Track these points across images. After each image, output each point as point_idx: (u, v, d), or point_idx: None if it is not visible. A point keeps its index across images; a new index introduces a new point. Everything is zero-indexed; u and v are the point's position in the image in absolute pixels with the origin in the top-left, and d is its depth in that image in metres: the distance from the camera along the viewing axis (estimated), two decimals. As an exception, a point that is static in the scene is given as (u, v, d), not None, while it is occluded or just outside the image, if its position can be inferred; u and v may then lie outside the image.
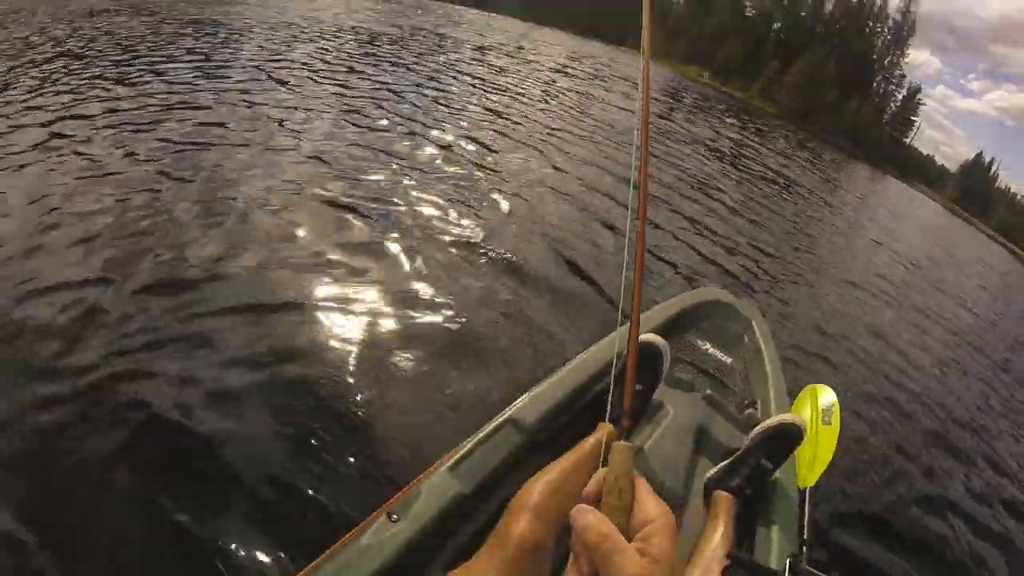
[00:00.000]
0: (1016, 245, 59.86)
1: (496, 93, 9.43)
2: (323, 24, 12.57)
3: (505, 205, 4.53)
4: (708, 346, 2.38)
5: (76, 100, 4.75)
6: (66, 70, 5.60)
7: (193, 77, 6.08)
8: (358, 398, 2.15)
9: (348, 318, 2.60)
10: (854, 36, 63.83)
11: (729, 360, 2.35)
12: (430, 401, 2.23)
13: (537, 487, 1.19)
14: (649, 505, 0.50)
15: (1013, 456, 4.40)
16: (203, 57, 7.20)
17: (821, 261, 7.41)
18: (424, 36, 15.46)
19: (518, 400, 1.60)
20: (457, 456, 1.39)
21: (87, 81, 5.33)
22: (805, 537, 1.58)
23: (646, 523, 0.49)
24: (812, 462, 1.78)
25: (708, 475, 1.70)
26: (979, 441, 4.38)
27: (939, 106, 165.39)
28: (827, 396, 1.99)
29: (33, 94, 4.74)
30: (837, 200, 15.39)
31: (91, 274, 2.54)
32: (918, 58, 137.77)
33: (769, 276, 5.57)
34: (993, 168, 74.23)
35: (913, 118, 66.30)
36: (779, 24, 66.56)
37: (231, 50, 8.10)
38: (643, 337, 1.67)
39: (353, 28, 13.33)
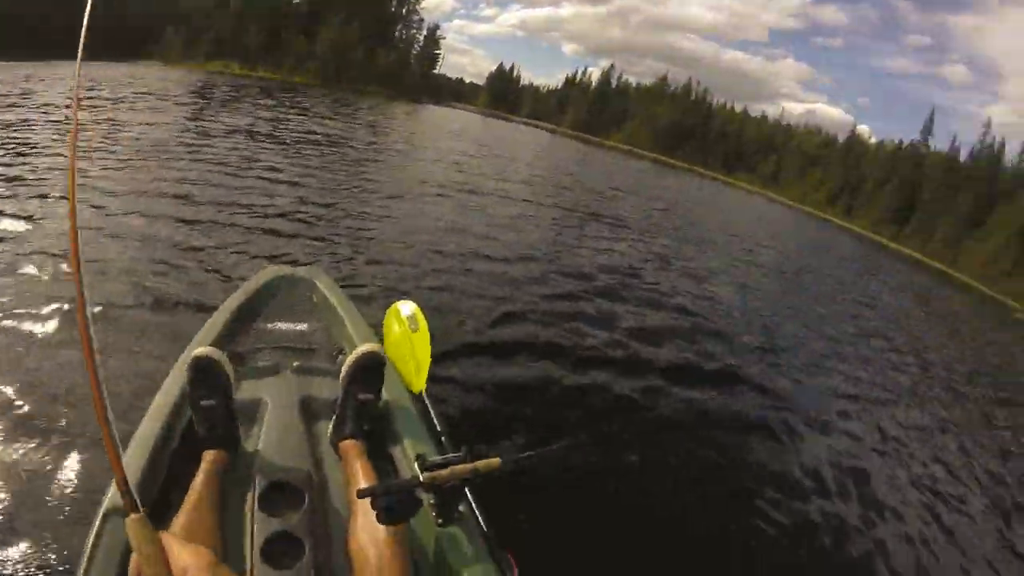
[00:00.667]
0: (546, 123, 77.34)
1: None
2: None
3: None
4: (282, 323, 2.37)
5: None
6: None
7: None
8: None
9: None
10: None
11: (306, 326, 2.38)
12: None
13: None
14: (182, 555, 0.61)
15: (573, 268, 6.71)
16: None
17: (374, 193, 8.19)
18: None
19: (110, 482, 1.23)
20: None
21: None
22: (439, 431, 1.67)
23: (184, 570, 0.61)
24: (417, 369, 1.88)
25: (327, 436, 1.72)
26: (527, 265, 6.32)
27: (459, 36, 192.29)
28: (406, 306, 2.07)
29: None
30: (381, 136, 18.17)
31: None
32: (431, 1, 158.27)
33: (332, 230, 5.89)
34: (515, 72, 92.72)
35: (437, 52, 76.21)
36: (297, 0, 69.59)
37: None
38: (196, 351, 1.63)
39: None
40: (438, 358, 2.12)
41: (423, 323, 1.97)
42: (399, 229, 6.51)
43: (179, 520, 1.25)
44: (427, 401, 1.80)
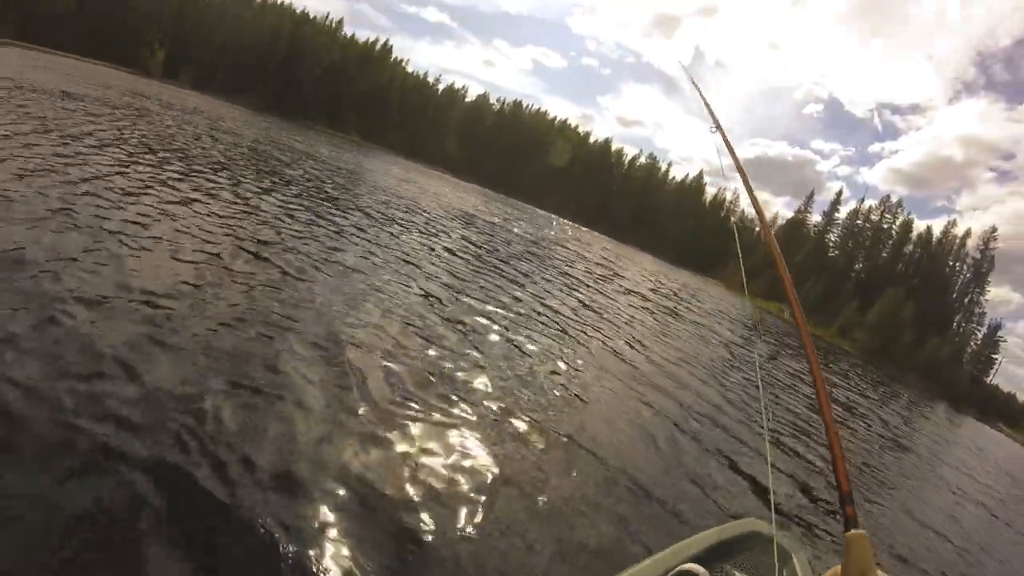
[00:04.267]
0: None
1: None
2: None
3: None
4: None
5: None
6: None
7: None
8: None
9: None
10: (933, 275, 67.38)
11: None
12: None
13: None
14: None
15: None
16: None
17: (893, 497, 7.33)
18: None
19: None
20: None
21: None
22: None
23: None
24: None
25: None
26: None
27: (1022, 342, 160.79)
28: None
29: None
30: (906, 436, 15.37)
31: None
32: (999, 294, 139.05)
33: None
34: (1078, 404, 71.70)
35: (994, 356, 66.45)
36: (860, 264, 72.10)
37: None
38: (684, 566, 1.74)
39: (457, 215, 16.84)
40: None
41: None
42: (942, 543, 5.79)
43: None
44: None
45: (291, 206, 9.42)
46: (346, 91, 75.21)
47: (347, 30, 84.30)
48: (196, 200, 7.39)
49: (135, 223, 5.49)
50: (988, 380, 67.00)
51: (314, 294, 5.18)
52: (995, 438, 43.34)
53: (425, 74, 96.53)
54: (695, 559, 2.09)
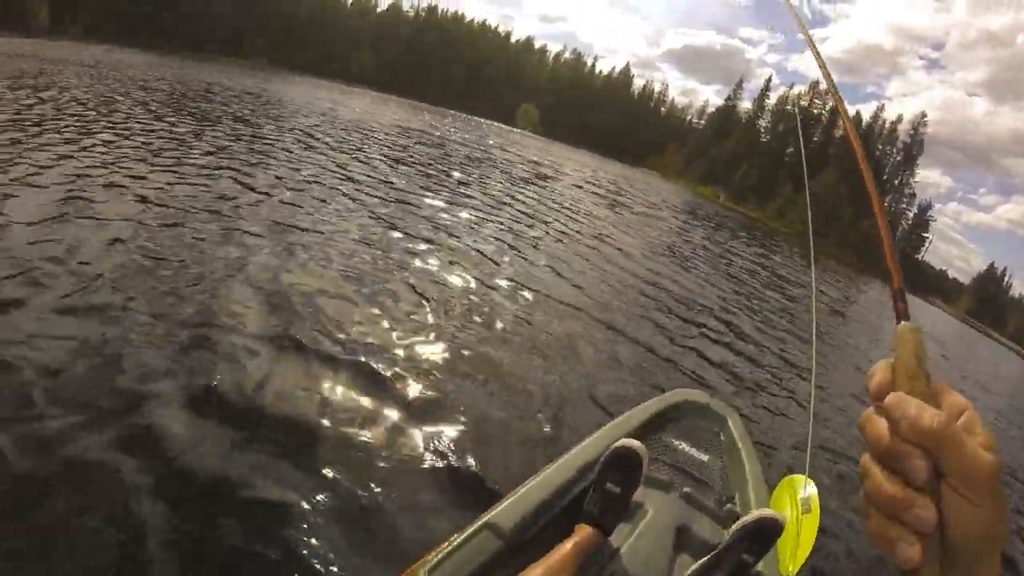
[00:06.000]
0: (1030, 350, 60.73)
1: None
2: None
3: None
4: (684, 445, 2.39)
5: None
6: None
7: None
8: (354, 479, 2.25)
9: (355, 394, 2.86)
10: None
11: (706, 458, 2.36)
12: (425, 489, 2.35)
13: None
14: (952, 394, 0.41)
15: None
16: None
17: (823, 366, 7.53)
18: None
19: (496, 504, 1.64)
20: (434, 561, 1.42)
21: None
22: None
23: (959, 413, 0.40)
24: (794, 550, 1.81)
25: (689, 572, 1.71)
26: None
27: (952, 222, 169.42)
28: (806, 486, 2.04)
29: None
30: (843, 309, 16.60)
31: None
32: (929, 177, 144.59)
33: (764, 376, 5.82)
34: (1006, 279, 76.95)
35: (924, 235, 69.88)
36: (791, 149, 71.95)
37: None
38: (620, 442, 1.75)
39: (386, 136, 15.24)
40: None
41: (817, 508, 1.79)
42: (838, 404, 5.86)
43: (535, 571, 1.41)
44: None
45: (216, 144, 8.42)
46: (248, 14, 67.30)
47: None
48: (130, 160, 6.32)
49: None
50: (920, 257, 70.77)
51: (258, 222, 5.07)
52: (924, 306, 46.68)
53: None
54: (631, 434, 2.12)
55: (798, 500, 1.94)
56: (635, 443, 1.75)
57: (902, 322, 0.46)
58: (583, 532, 1.60)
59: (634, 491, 1.74)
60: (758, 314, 8.90)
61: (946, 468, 0.37)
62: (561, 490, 1.79)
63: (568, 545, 1.52)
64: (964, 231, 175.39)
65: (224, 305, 3.37)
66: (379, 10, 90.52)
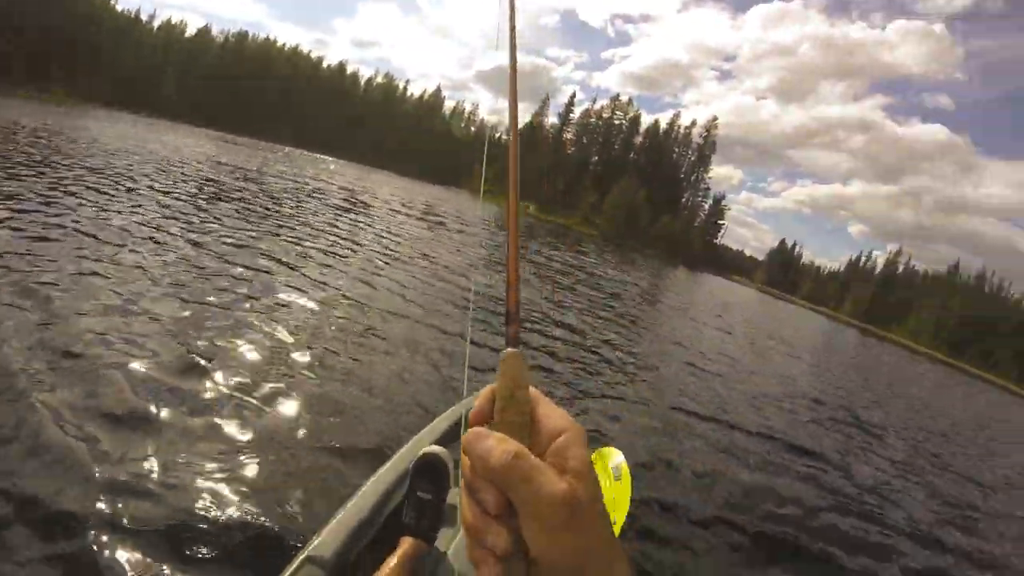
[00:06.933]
0: (826, 308, 71.50)
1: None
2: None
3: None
4: None
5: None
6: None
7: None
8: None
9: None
10: (662, 162, 76.06)
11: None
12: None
13: None
14: (554, 416, 0.42)
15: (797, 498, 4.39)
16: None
17: (633, 344, 8.32)
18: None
19: (315, 534, 1.62)
20: None
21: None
22: None
23: (554, 436, 0.40)
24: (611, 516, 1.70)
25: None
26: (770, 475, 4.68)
27: (746, 208, 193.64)
28: (614, 456, 2.06)
29: None
30: (657, 296, 18.19)
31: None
32: (721, 172, 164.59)
33: (581, 361, 6.21)
34: (796, 249, 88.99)
35: (720, 222, 78.09)
36: (596, 158, 78.05)
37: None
38: (424, 449, 1.79)
39: (197, 172, 14.32)
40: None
41: (627, 477, 1.96)
42: (646, 384, 6.29)
43: None
44: None
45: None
46: (40, 35, 57.72)
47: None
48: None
49: None
50: (717, 242, 79.38)
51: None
52: (726, 284, 52.23)
53: (137, 12, 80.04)
54: (438, 440, 2.18)
55: (609, 470, 2.03)
56: (438, 448, 1.79)
57: (508, 348, 0.46)
58: (406, 544, 1.62)
59: (446, 495, 1.74)
60: (573, 307, 9.69)
61: (515, 501, 0.38)
62: (377, 507, 1.79)
63: (393, 561, 1.55)
64: (757, 215, 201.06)
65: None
66: (186, 35, 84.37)
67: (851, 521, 4.27)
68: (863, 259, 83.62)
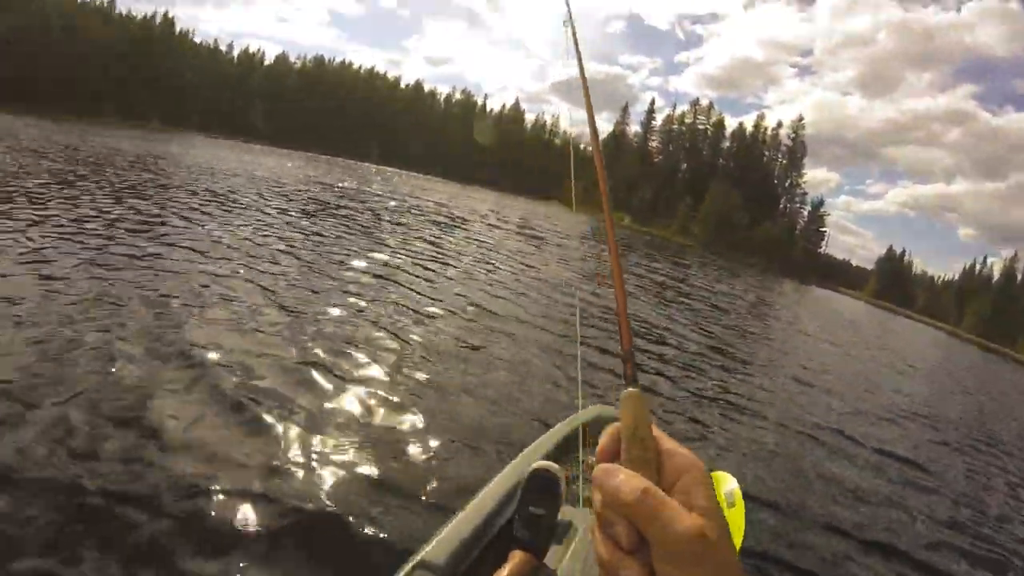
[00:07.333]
0: (943, 323, 64.46)
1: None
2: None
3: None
4: None
5: None
6: None
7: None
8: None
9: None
10: (752, 165, 72.13)
11: None
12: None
13: None
14: (678, 455, 0.42)
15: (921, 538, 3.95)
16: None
17: (744, 366, 7.88)
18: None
19: (427, 541, 1.62)
20: None
21: None
22: None
23: (679, 475, 0.40)
24: None
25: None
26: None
27: (846, 213, 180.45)
28: (728, 482, 2.03)
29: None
30: (767, 312, 16.97)
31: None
32: (817, 175, 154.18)
33: (685, 387, 5.79)
34: (906, 258, 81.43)
35: (822, 229, 72.92)
36: (684, 166, 75.21)
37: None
38: (536, 464, 1.77)
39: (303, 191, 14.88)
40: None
41: (741, 503, 1.69)
42: (757, 406, 5.93)
43: None
44: None
45: (114, 213, 7.74)
46: (133, 75, 62.12)
47: (120, 7, 68.67)
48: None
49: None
50: (822, 251, 73.99)
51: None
52: (835, 296, 48.84)
53: (215, 42, 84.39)
54: (548, 455, 2.14)
55: (723, 496, 1.84)
56: (550, 464, 1.82)
57: (629, 387, 0.45)
58: (517, 558, 1.60)
59: (558, 511, 1.77)
60: (681, 322, 9.56)
61: (647, 537, 0.38)
62: (489, 519, 1.78)
63: (504, 573, 1.53)
64: (858, 220, 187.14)
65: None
66: (266, 63, 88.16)
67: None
68: (978, 266, 75.11)
